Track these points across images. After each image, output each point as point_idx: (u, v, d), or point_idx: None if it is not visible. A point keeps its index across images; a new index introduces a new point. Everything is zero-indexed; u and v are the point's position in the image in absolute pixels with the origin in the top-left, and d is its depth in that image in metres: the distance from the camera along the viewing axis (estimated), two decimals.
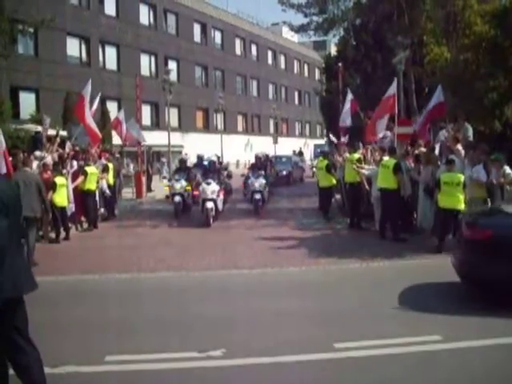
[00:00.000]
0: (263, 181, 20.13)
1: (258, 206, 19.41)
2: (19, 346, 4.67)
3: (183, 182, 19.15)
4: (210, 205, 17.06)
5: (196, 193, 18.49)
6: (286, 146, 53.48)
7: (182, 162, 20.93)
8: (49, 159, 14.99)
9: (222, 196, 18.24)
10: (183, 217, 18.84)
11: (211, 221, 17.07)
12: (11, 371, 4.82)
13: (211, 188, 17.39)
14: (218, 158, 25.03)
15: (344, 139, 21.35)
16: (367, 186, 15.25)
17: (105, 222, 17.71)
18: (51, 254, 12.51)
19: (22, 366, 4.71)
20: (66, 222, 14.54)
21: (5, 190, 4.77)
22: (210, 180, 17.80)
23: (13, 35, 24.12)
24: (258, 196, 19.50)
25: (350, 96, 21.10)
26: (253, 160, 24.98)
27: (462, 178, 12.24)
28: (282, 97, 70.89)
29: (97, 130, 18.79)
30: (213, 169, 19.95)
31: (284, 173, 33.45)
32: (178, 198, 18.95)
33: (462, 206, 12.13)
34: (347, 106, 21.12)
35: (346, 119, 21.26)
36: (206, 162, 22.06)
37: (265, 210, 19.88)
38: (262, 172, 21.07)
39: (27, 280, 4.78)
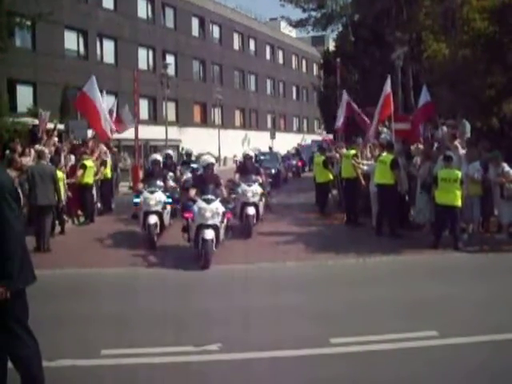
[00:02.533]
0: (259, 189, 14.56)
1: (251, 224, 13.99)
2: (20, 337, 4.68)
3: (161, 195, 13.21)
4: (210, 235, 10.88)
5: (187, 215, 11.63)
6: (284, 141, 53.52)
7: (156, 163, 14.35)
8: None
9: (225, 220, 11.74)
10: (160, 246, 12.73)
11: (210, 258, 10.79)
12: (9, 365, 4.82)
13: (212, 207, 11.22)
14: (189, 154, 19.97)
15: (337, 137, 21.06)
16: (363, 182, 15.27)
17: (101, 215, 17.68)
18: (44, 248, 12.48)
19: (21, 358, 4.71)
20: (61, 216, 14.51)
21: (9, 181, 4.83)
22: (209, 196, 11.57)
23: (10, 28, 24.09)
24: (251, 211, 13.97)
25: (345, 97, 20.71)
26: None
27: (459, 174, 12.26)
28: (279, 92, 70.83)
29: (107, 127, 18.61)
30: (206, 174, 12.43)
31: (272, 171, 26.83)
32: (153, 219, 12.69)
33: (459, 203, 12.15)
34: (342, 108, 20.70)
35: (338, 121, 20.94)
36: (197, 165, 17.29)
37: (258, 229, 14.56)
38: (258, 178, 15.18)
39: (30, 272, 4.82)
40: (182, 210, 12.92)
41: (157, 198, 13.05)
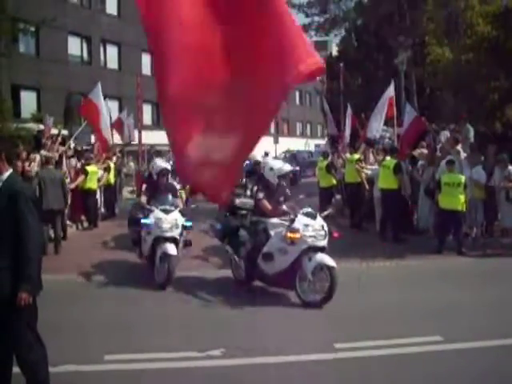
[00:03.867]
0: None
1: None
2: (29, 341, 4.71)
3: (178, 216, 9.96)
4: (330, 260, 8.41)
5: (293, 236, 8.49)
6: (288, 146, 53.44)
7: (164, 174, 10.71)
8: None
9: None
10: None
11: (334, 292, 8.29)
12: (15, 369, 4.83)
13: (319, 223, 8.69)
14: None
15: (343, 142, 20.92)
16: (367, 186, 15.25)
17: (105, 220, 17.68)
18: (51, 253, 12.50)
19: (29, 363, 4.74)
20: (64, 221, 14.50)
21: (28, 187, 4.91)
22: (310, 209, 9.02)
23: (14, 34, 24.16)
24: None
25: (349, 111, 20.65)
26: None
27: (462, 178, 12.25)
28: None
29: (108, 136, 18.54)
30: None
31: None
32: (172, 249, 9.52)
33: (462, 207, 12.15)
34: (348, 121, 20.67)
35: (348, 134, 20.77)
36: None
37: None
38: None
39: (40, 278, 4.90)
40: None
41: (173, 220, 9.84)
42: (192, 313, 8.08)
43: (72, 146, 18.79)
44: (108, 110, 20.74)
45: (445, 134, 15.91)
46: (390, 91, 16.64)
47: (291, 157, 40.25)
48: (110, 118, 21.20)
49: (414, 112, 16.47)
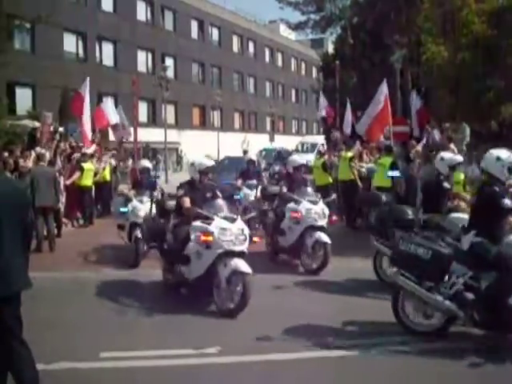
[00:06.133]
0: (325, 209, 11.05)
1: (329, 254, 10.55)
2: (12, 347, 4.61)
3: (243, 225, 8.84)
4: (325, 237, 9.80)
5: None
6: (283, 144, 53.48)
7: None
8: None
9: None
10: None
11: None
12: None
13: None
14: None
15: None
16: (360, 184, 15.26)
17: (101, 218, 17.67)
18: (46, 250, 12.50)
19: (14, 369, 4.65)
20: (58, 219, 14.48)
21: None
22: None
23: (9, 31, 24.10)
24: (325, 238, 10.60)
25: (348, 106, 21.11)
26: None
27: (461, 176, 12.24)
28: (278, 94, 70.86)
29: (89, 133, 18.31)
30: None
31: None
32: (244, 266, 8.07)
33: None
34: (348, 115, 21.10)
35: (347, 128, 21.18)
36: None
37: None
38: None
39: (19, 278, 4.70)
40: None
41: (239, 230, 8.95)
42: (188, 311, 8.07)
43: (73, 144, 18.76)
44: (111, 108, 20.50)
45: (436, 133, 15.93)
46: (383, 90, 16.54)
47: (277, 154, 35.75)
48: (122, 117, 21.01)
49: (418, 103, 16.52)
